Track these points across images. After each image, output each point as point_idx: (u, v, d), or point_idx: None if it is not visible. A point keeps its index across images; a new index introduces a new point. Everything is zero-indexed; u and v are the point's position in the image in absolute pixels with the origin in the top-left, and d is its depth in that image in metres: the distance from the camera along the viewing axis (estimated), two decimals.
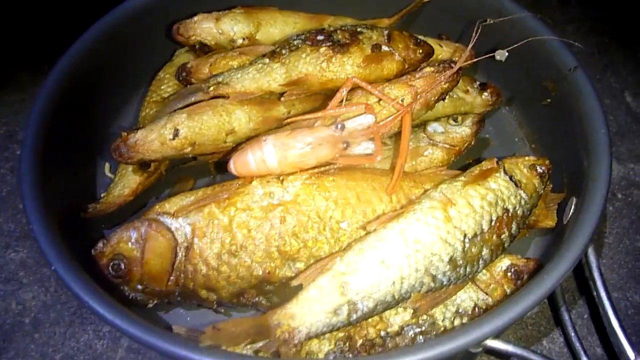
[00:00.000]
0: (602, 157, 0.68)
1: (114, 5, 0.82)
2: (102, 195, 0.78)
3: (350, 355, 0.63)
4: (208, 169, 0.81)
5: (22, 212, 0.81)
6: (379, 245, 0.62)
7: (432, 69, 0.74)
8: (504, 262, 0.68)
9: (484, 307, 0.66)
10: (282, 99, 0.75)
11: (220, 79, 0.75)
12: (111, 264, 0.65)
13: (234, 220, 0.65)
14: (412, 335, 0.64)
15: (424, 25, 0.88)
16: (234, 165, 0.68)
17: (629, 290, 0.78)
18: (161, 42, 0.87)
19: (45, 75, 0.75)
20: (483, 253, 0.64)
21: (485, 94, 0.83)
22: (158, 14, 0.85)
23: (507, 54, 0.75)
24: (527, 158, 0.71)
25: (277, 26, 0.84)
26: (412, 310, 0.64)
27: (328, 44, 0.74)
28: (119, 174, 0.78)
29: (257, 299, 0.67)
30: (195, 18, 0.83)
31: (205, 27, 0.83)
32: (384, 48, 0.75)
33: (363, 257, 0.61)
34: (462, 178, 0.67)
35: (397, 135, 0.73)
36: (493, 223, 0.64)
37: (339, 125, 0.69)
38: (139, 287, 0.66)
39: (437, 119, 0.81)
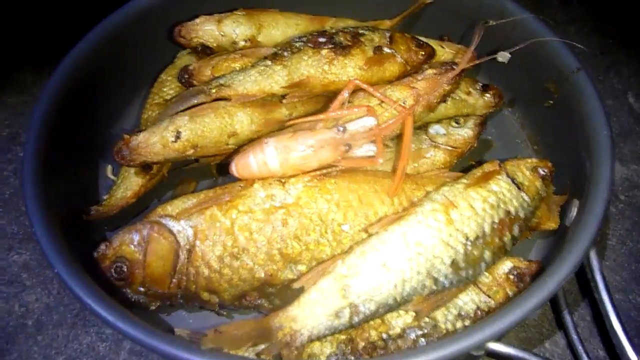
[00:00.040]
0: (605, 159, 0.68)
1: (116, 8, 0.82)
2: (104, 197, 0.78)
3: (352, 358, 0.63)
4: (210, 171, 0.81)
5: (25, 214, 0.81)
6: (380, 248, 0.62)
7: (434, 70, 0.74)
8: (506, 265, 0.68)
9: (486, 309, 0.65)
10: (284, 101, 0.75)
11: (222, 81, 0.75)
12: (113, 266, 0.65)
13: (235, 222, 0.65)
14: (414, 338, 0.64)
15: (425, 26, 0.88)
16: (235, 168, 0.69)
17: (631, 292, 0.78)
18: (163, 44, 0.87)
19: (48, 77, 0.75)
20: (485, 255, 0.64)
21: (488, 95, 0.83)
22: (160, 16, 0.85)
23: (509, 55, 0.75)
24: (529, 160, 0.71)
25: (279, 28, 0.84)
26: (414, 313, 0.64)
27: (330, 46, 0.74)
28: (121, 176, 0.79)
29: (259, 301, 0.67)
30: (197, 20, 0.83)
31: (207, 29, 0.83)
32: (386, 50, 0.75)
33: (365, 259, 0.61)
34: (464, 180, 0.67)
35: (399, 138, 0.73)
36: (495, 225, 0.64)
37: (341, 128, 0.69)
38: (141, 289, 0.66)
39: (439, 121, 0.81)
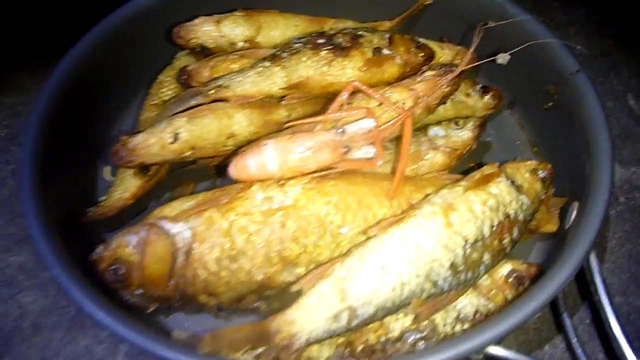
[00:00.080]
0: (605, 162, 0.68)
1: (114, 8, 0.82)
2: (101, 199, 0.77)
3: None
4: (208, 173, 0.81)
5: (22, 216, 0.80)
6: (379, 251, 0.61)
7: (433, 72, 0.74)
8: (506, 268, 0.67)
9: (485, 312, 0.65)
10: (283, 102, 0.75)
11: (220, 82, 0.74)
12: (110, 268, 0.65)
13: (234, 224, 0.65)
14: (413, 341, 0.63)
15: (425, 28, 0.88)
16: (234, 170, 0.68)
17: (631, 295, 0.78)
18: (161, 45, 0.86)
19: (46, 78, 0.75)
20: (484, 258, 0.64)
21: (487, 97, 0.83)
22: (158, 16, 0.85)
23: (509, 57, 0.74)
24: (528, 162, 0.71)
25: (278, 29, 0.84)
26: (412, 316, 0.63)
27: (329, 47, 0.74)
28: (118, 178, 0.78)
29: (257, 304, 0.66)
30: (196, 21, 0.83)
31: (205, 30, 0.82)
32: (385, 51, 0.75)
33: (363, 262, 0.61)
34: (463, 183, 0.67)
35: (398, 139, 0.72)
36: (494, 228, 0.64)
37: (340, 129, 0.68)
38: (139, 292, 0.66)
39: (438, 123, 0.80)
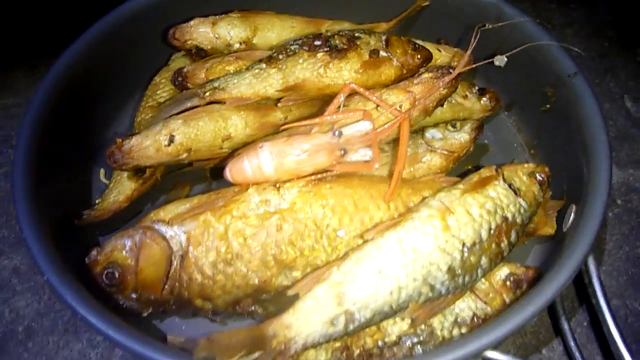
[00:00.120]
0: (602, 164, 0.68)
1: (109, 9, 0.81)
2: (96, 201, 0.77)
3: None
4: (204, 175, 0.80)
5: (16, 218, 0.79)
6: (376, 255, 0.61)
7: (430, 74, 0.74)
8: (503, 271, 0.67)
9: (482, 316, 0.65)
10: (279, 104, 0.74)
11: (216, 84, 0.74)
12: (105, 272, 0.64)
13: (229, 228, 0.65)
14: (410, 345, 0.63)
15: (422, 29, 0.87)
16: (229, 172, 0.68)
17: (628, 298, 0.78)
18: (157, 47, 0.86)
19: (41, 79, 0.74)
20: (482, 262, 0.63)
21: (484, 99, 0.82)
22: (154, 18, 0.84)
23: (506, 59, 0.74)
24: (526, 165, 0.70)
25: (274, 30, 0.83)
26: (410, 320, 0.63)
27: (325, 49, 0.74)
28: (114, 180, 0.78)
29: (253, 308, 0.66)
30: (192, 22, 0.83)
31: (201, 32, 0.82)
32: (382, 53, 0.75)
33: (360, 266, 0.61)
34: (461, 186, 0.67)
35: (395, 142, 0.72)
36: (492, 232, 0.64)
37: (337, 132, 0.68)
38: (133, 296, 0.65)
39: (435, 125, 0.80)
